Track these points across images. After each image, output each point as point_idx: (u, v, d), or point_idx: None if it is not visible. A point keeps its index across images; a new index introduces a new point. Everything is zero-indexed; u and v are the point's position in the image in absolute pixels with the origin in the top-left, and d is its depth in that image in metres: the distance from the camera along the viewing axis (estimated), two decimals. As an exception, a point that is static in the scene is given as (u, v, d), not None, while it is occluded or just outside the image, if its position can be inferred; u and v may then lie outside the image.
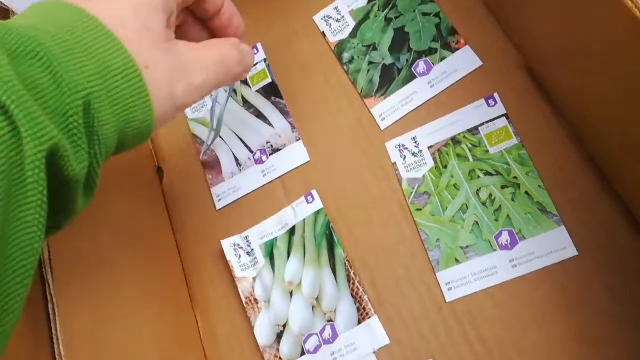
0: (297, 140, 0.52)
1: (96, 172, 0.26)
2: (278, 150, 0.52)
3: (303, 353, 0.44)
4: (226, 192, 0.53)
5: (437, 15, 0.50)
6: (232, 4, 0.37)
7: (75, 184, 0.25)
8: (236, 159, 0.54)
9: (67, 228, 0.37)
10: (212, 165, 0.55)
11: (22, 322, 0.33)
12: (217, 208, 0.53)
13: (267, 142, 0.53)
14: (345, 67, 0.52)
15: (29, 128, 0.22)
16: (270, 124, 0.54)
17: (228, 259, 0.49)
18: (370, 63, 0.51)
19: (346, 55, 0.52)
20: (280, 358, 0.44)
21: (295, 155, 0.51)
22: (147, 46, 0.28)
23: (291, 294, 0.46)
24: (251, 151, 0.53)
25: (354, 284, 0.44)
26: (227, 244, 0.50)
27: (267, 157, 0.52)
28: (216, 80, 0.33)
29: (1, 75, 0.22)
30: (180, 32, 0.36)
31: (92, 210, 0.43)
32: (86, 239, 0.41)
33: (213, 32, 0.38)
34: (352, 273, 0.45)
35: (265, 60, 0.56)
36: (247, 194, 0.52)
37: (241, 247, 0.50)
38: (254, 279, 0.48)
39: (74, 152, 0.24)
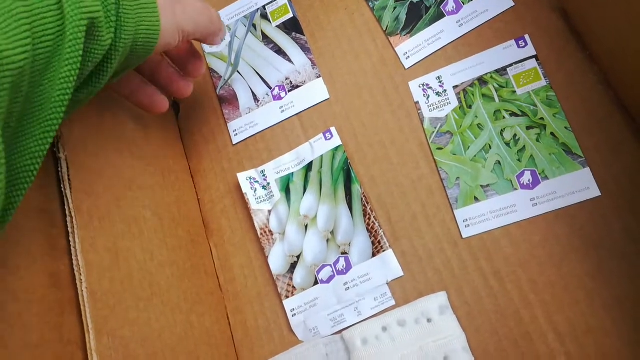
0: (317, 77, 0.51)
1: (112, 56, 0.31)
2: (297, 86, 0.52)
3: (316, 283, 0.44)
4: (243, 127, 0.53)
5: (468, -46, 0.48)
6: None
7: (103, 53, 0.30)
8: (254, 95, 0.53)
9: (88, 148, 0.37)
10: (229, 100, 0.54)
11: (41, 234, 0.33)
12: (234, 143, 0.53)
13: (287, 79, 0.52)
14: (370, 4, 0.51)
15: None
16: (289, 60, 0.53)
17: (244, 191, 0.49)
18: (397, 0, 0.50)
19: (372, -8, 0.51)
20: (293, 286, 0.45)
21: (315, 92, 0.51)
22: None
23: (306, 227, 0.46)
24: (269, 87, 0.53)
25: (369, 218, 0.44)
26: (242, 177, 0.50)
27: (286, 94, 0.52)
28: (203, 19, 0.39)
29: None
30: None
31: (111, 131, 0.42)
32: (104, 156, 0.40)
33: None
34: (368, 208, 0.45)
35: (287, -5, 0.55)
36: (264, 130, 0.52)
37: (257, 181, 0.49)
38: (269, 211, 0.48)
39: (106, 26, 0.29)
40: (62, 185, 0.35)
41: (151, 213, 0.43)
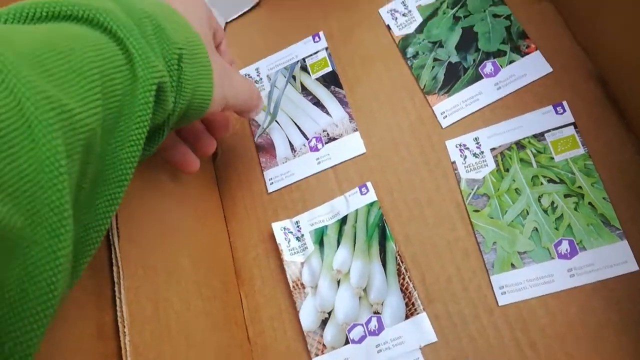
0: (355, 130, 0.52)
1: (169, 119, 0.32)
2: (334, 139, 0.52)
3: (347, 342, 0.44)
4: (279, 176, 0.54)
5: (507, 17, 0.49)
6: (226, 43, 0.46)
7: (165, 117, 0.32)
8: (291, 145, 0.54)
9: (133, 192, 0.38)
10: (267, 148, 0.55)
11: (88, 282, 0.34)
12: (269, 191, 0.53)
13: (324, 131, 0.53)
14: (408, 62, 0.52)
15: (142, 63, 0.28)
16: (327, 113, 0.54)
17: (278, 242, 0.50)
18: (435, 60, 0.50)
19: (410, 50, 0.52)
20: (323, 344, 0.45)
21: (352, 145, 0.52)
22: (208, 39, 0.36)
23: (338, 282, 0.46)
24: (307, 138, 0.54)
25: (404, 278, 0.44)
26: (277, 227, 0.50)
27: (323, 145, 0.53)
28: (245, 94, 0.42)
29: (120, 18, 0.27)
30: None
31: (151, 175, 0.44)
32: (148, 205, 0.41)
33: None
34: (402, 268, 0.45)
35: (326, 48, 0.56)
36: (299, 180, 0.53)
37: (291, 232, 0.50)
38: (302, 264, 0.48)
39: (170, 90, 0.30)
40: (110, 233, 0.36)
41: (189, 260, 0.44)
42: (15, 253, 0.21)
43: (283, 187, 0.53)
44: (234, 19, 0.61)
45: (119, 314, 0.34)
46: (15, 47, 0.22)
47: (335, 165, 0.52)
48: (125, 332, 0.33)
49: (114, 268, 0.35)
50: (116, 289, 0.35)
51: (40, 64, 0.23)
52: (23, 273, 0.21)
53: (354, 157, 0.51)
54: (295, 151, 0.54)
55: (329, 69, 0.55)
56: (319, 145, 0.53)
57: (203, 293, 0.44)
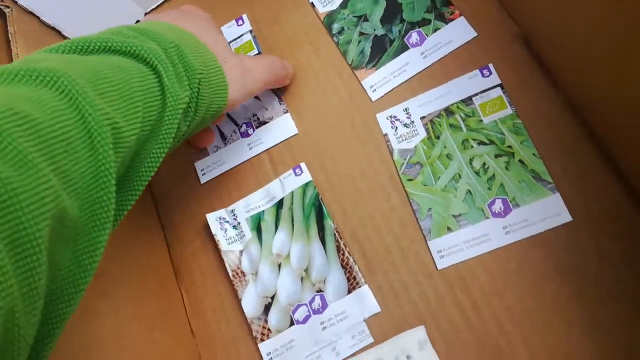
0: (285, 112, 0.51)
1: (184, 134, 0.37)
2: (265, 122, 0.51)
3: (292, 324, 0.43)
4: (210, 165, 0.52)
5: (429, -13, 0.49)
6: None
7: (180, 137, 0.36)
8: (221, 133, 0.52)
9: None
10: (197, 138, 0.53)
11: None
12: (202, 182, 0.52)
13: (254, 115, 0.52)
14: (335, 39, 0.51)
15: (171, 94, 0.32)
16: (256, 97, 0.52)
17: (213, 232, 0.48)
18: (361, 34, 0.50)
19: (336, 26, 0.51)
20: (268, 329, 0.43)
21: (283, 128, 0.50)
22: (222, 48, 0.40)
23: (279, 266, 0.45)
24: (236, 124, 0.52)
25: (343, 254, 0.43)
26: (212, 217, 0.48)
27: (254, 130, 0.51)
28: (267, 77, 0.45)
29: (159, 54, 0.32)
30: None
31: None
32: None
33: None
34: (341, 244, 0.44)
35: (251, 31, 0.55)
36: (232, 168, 0.51)
37: (227, 221, 0.48)
38: (241, 252, 0.47)
39: (191, 112, 0.35)
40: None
41: (115, 266, 0.42)
42: (70, 240, 0.25)
43: (216, 177, 0.51)
44: (153, 9, 0.58)
45: None
46: (77, 71, 0.27)
47: (268, 149, 0.50)
48: None
49: None
50: None
51: (96, 86, 0.27)
52: (72, 257, 0.25)
53: (286, 139, 0.50)
54: (226, 139, 0.52)
55: (255, 51, 0.54)
56: (250, 131, 0.51)
57: (134, 296, 0.42)
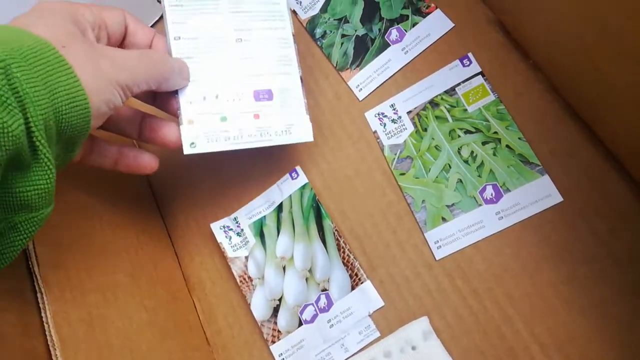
0: (278, 118, 0.52)
1: (37, 136, 0.28)
2: (259, 130, 0.52)
3: (300, 324, 0.44)
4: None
5: (405, -18, 0.50)
6: (162, 37, 0.42)
7: (16, 140, 0.26)
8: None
9: (53, 217, 0.37)
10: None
11: (13, 314, 0.33)
12: (204, 191, 0.53)
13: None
14: (318, 42, 0.52)
15: None
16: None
17: (219, 241, 0.49)
18: (343, 36, 0.51)
19: (318, 31, 0.52)
20: (278, 330, 0.45)
21: (277, 133, 0.51)
22: (61, 34, 0.31)
23: (284, 268, 0.46)
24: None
25: (344, 252, 0.45)
26: (216, 226, 0.50)
27: (249, 139, 0.52)
28: (141, 66, 0.36)
29: None
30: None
31: (75, 200, 0.43)
32: (72, 227, 0.40)
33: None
34: (341, 242, 0.45)
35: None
36: (232, 175, 0.52)
37: (231, 229, 0.50)
38: (246, 257, 0.48)
39: (3, 109, 0.26)
40: (29, 262, 0.35)
41: (124, 276, 0.43)
42: None
43: (217, 185, 0.53)
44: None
45: (48, 338, 0.33)
46: None
47: (264, 154, 0.51)
48: (57, 356, 0.33)
49: (38, 295, 0.35)
50: (42, 314, 0.34)
51: None
52: None
53: (281, 144, 0.51)
54: (223, 149, 0.53)
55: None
56: (246, 139, 0.52)
57: (147, 304, 0.44)
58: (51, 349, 0.33)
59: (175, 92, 0.41)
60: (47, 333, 0.33)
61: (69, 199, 0.42)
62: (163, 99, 0.42)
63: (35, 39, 0.29)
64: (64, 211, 0.41)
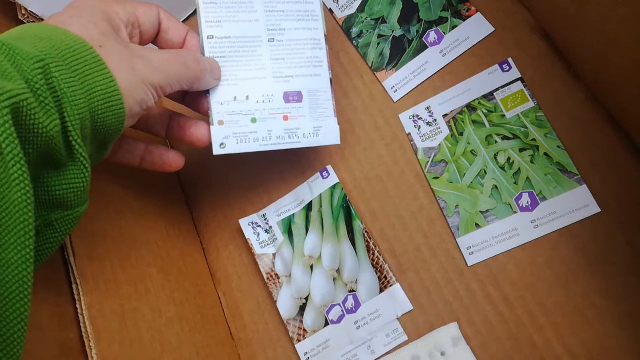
0: (310, 117, 0.52)
1: (73, 136, 0.28)
2: (291, 128, 0.52)
3: (327, 324, 0.44)
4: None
5: (445, -15, 0.50)
6: (195, 35, 0.41)
7: (50, 139, 0.26)
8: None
9: (88, 212, 0.37)
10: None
11: (48, 305, 0.33)
12: (233, 187, 0.53)
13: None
14: (354, 42, 0.52)
15: None
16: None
17: (247, 237, 0.49)
18: (379, 36, 0.51)
19: (355, 30, 0.52)
20: (304, 329, 0.45)
21: (309, 132, 0.51)
22: (97, 33, 0.32)
23: (312, 267, 0.46)
24: (264, 131, 0.53)
25: (374, 254, 0.44)
26: (245, 222, 0.50)
27: (280, 136, 0.52)
28: (174, 67, 0.36)
29: None
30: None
31: (109, 192, 0.43)
32: (106, 219, 0.41)
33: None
34: (371, 244, 0.45)
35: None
36: (261, 172, 0.52)
37: (259, 225, 0.50)
38: (274, 255, 0.48)
39: (41, 108, 0.26)
40: (65, 254, 0.36)
41: (156, 269, 0.43)
42: None
43: (245, 181, 0.53)
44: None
45: (83, 330, 0.34)
46: None
47: (296, 153, 0.51)
48: (91, 347, 0.33)
49: (73, 286, 0.35)
50: (77, 306, 0.34)
51: None
52: None
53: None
54: (254, 145, 0.53)
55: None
56: (277, 136, 0.52)
57: (176, 298, 0.44)
58: (85, 340, 0.33)
59: (206, 92, 0.41)
60: (81, 325, 0.34)
61: (101, 191, 0.42)
62: (193, 98, 0.42)
63: (73, 38, 0.29)
64: (98, 203, 0.41)
